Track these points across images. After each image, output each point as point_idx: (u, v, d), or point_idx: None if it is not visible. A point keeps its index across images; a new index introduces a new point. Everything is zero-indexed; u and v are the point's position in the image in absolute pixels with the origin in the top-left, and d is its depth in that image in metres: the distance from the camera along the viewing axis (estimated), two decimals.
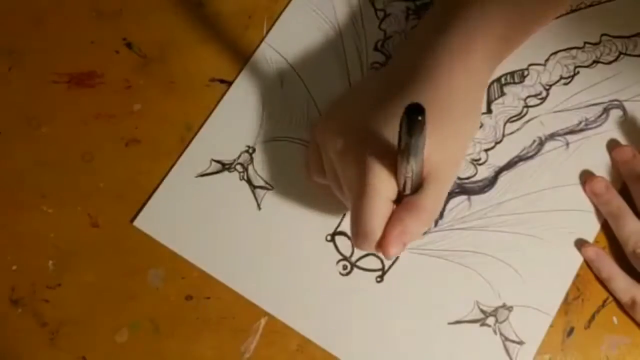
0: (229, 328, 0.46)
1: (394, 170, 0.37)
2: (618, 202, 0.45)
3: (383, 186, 0.37)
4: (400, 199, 0.38)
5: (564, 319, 0.45)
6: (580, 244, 0.46)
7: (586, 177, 0.46)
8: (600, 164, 0.47)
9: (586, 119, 0.48)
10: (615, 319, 0.45)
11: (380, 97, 0.41)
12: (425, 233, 0.46)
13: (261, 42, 0.50)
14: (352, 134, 0.40)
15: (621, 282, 0.45)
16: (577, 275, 0.46)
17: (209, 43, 0.50)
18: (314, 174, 0.46)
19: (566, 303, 0.46)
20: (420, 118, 0.30)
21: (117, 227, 0.47)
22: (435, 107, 0.38)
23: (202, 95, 0.49)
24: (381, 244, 0.37)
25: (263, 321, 0.46)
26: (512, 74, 0.49)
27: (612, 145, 0.47)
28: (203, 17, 0.50)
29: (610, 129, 0.47)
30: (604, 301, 0.46)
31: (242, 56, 0.50)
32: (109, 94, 0.49)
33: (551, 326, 0.45)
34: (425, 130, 0.32)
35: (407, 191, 0.38)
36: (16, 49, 0.50)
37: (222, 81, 0.49)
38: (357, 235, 0.38)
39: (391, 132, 0.36)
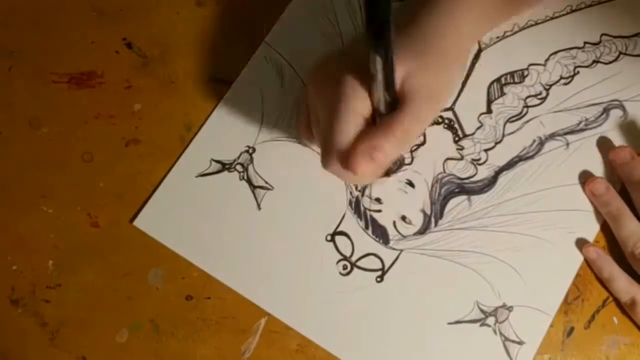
0: (229, 328, 0.46)
1: (368, 89, 0.36)
2: (617, 204, 0.45)
3: (355, 101, 0.36)
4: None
5: (564, 319, 0.45)
6: (580, 243, 0.46)
7: (586, 178, 0.46)
8: (600, 164, 0.47)
9: (586, 119, 0.48)
10: (615, 319, 0.46)
11: (358, 37, 0.41)
12: (423, 232, 0.46)
13: (261, 42, 0.50)
14: (331, 72, 0.39)
15: (622, 283, 0.45)
16: (577, 275, 0.46)
17: (209, 43, 0.50)
18: (300, 134, 0.45)
19: (566, 303, 0.46)
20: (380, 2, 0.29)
21: (117, 227, 0.47)
22: (419, 35, 0.38)
23: (202, 95, 0.49)
24: (347, 159, 0.36)
25: (263, 321, 0.46)
26: (512, 74, 0.49)
27: (608, 147, 0.47)
28: (203, 17, 0.50)
29: (610, 129, 0.47)
30: (604, 301, 0.46)
31: (242, 56, 0.50)
32: (109, 94, 0.49)
33: (551, 326, 0.45)
34: (390, 21, 0.31)
35: (382, 108, 0.37)
36: (16, 49, 0.50)
37: (222, 81, 0.49)
38: (326, 152, 0.37)
39: (361, 62, 0.35)
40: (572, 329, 0.45)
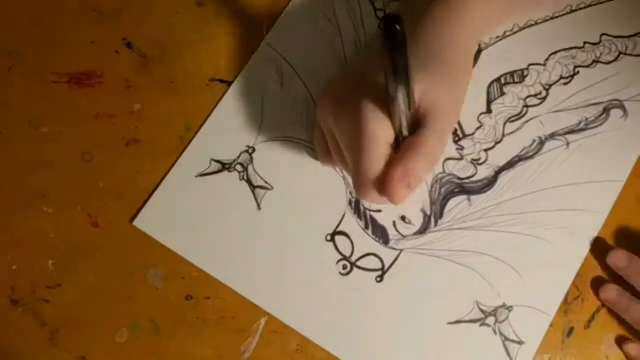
0: (229, 328, 0.46)
1: (388, 113, 0.36)
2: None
3: (379, 129, 0.36)
4: (399, 146, 0.38)
5: (564, 319, 0.45)
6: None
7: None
8: (601, 164, 0.47)
9: (586, 119, 0.48)
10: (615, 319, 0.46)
11: (366, 52, 0.41)
12: (423, 232, 0.46)
13: (261, 42, 0.50)
14: (346, 95, 0.39)
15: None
16: (577, 275, 0.46)
17: (209, 43, 0.50)
18: (321, 158, 0.45)
19: (566, 303, 0.46)
20: (398, 27, 0.29)
21: (117, 227, 0.47)
22: (426, 51, 0.38)
23: (202, 95, 0.49)
24: (385, 189, 0.36)
25: (263, 321, 0.46)
26: (512, 74, 0.49)
27: (607, 250, 0.46)
28: (203, 17, 0.50)
29: (611, 129, 0.47)
30: None
31: (242, 56, 0.50)
32: (109, 94, 0.49)
33: (551, 326, 0.45)
34: (407, 47, 0.31)
35: (405, 131, 0.37)
36: (16, 49, 0.50)
37: (222, 81, 0.49)
38: (359, 185, 0.37)
39: (381, 78, 0.35)
40: (572, 329, 0.45)
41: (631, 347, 0.44)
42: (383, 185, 0.36)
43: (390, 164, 0.36)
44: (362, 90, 0.37)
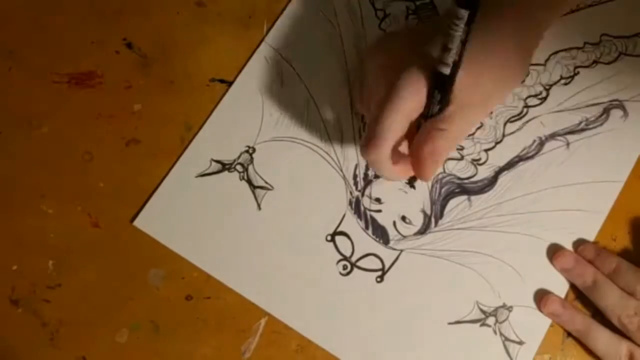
0: (229, 328, 0.46)
1: (424, 91, 0.37)
2: (590, 274, 0.44)
3: (410, 102, 0.38)
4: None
5: None
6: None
7: (554, 252, 0.45)
8: (601, 164, 0.47)
9: (586, 119, 0.48)
10: None
11: (423, 30, 0.42)
12: (423, 232, 0.46)
13: (261, 42, 0.50)
14: (399, 51, 0.40)
15: (606, 338, 0.43)
16: None
17: (209, 43, 0.50)
18: (356, 103, 0.47)
19: None
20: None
21: (117, 227, 0.47)
22: (478, 42, 0.38)
23: (202, 95, 0.49)
24: (417, 165, 0.38)
25: (263, 321, 0.46)
26: None
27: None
28: (203, 17, 0.50)
29: (611, 129, 0.47)
30: None
31: (242, 56, 0.50)
32: (109, 94, 0.49)
33: (551, 326, 0.45)
34: (474, 22, 0.33)
35: (435, 109, 0.38)
36: (16, 49, 0.50)
37: (222, 81, 0.49)
38: (368, 141, 0.38)
39: (435, 52, 0.37)
40: None
41: (556, 302, 0.44)
42: (414, 162, 0.38)
43: (417, 138, 0.38)
44: (414, 55, 0.38)
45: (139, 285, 0.46)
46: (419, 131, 0.39)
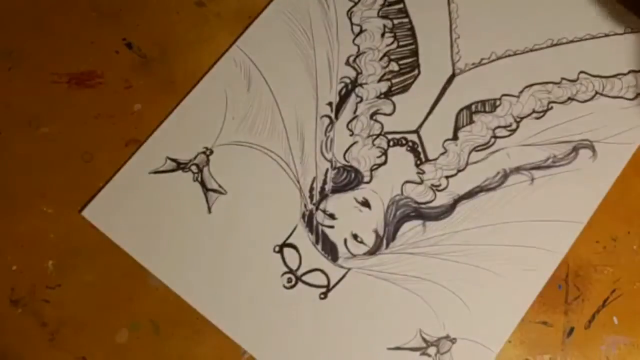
0: None
1: None
2: None
3: None
4: None
5: (564, 319, 0.45)
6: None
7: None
8: (564, 203, 0.46)
9: (554, 156, 0.47)
10: (615, 319, 0.45)
11: None
12: (373, 253, 0.46)
13: (232, 44, 0.49)
14: None
15: None
16: (577, 275, 0.46)
17: (209, 43, 0.50)
18: None
19: (566, 303, 0.46)
20: None
21: None
22: None
23: None
24: None
25: None
26: (483, 102, 0.48)
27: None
28: (203, 17, 0.50)
29: (578, 169, 0.47)
30: (604, 301, 0.46)
31: None
32: (109, 94, 0.49)
33: (551, 326, 0.45)
34: None
35: None
36: (16, 49, 0.50)
37: None
38: None
39: None
40: (572, 329, 0.45)
41: None
42: None
43: None
44: None
45: (139, 285, 0.46)
46: None
